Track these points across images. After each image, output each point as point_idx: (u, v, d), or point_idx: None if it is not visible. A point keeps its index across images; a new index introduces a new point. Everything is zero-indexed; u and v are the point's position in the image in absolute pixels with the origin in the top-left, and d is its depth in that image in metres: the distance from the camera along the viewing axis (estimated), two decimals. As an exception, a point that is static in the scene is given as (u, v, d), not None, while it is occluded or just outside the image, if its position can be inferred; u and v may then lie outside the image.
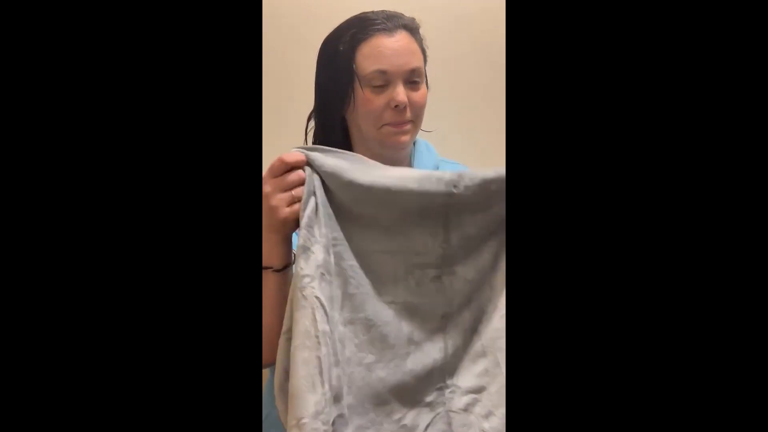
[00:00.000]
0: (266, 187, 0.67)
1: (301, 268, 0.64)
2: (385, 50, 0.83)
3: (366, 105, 0.84)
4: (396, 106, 0.83)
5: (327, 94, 0.88)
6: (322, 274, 0.66)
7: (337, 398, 0.65)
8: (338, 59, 0.85)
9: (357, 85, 0.84)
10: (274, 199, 0.67)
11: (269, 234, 0.69)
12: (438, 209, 0.71)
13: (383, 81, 0.83)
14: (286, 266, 0.71)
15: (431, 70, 1.03)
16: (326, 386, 0.63)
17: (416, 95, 0.85)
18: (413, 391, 0.72)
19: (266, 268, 0.70)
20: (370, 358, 0.70)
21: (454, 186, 0.70)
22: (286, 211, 0.67)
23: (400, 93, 0.83)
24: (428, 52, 0.92)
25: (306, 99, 0.92)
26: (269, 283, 0.71)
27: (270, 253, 0.70)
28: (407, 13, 0.87)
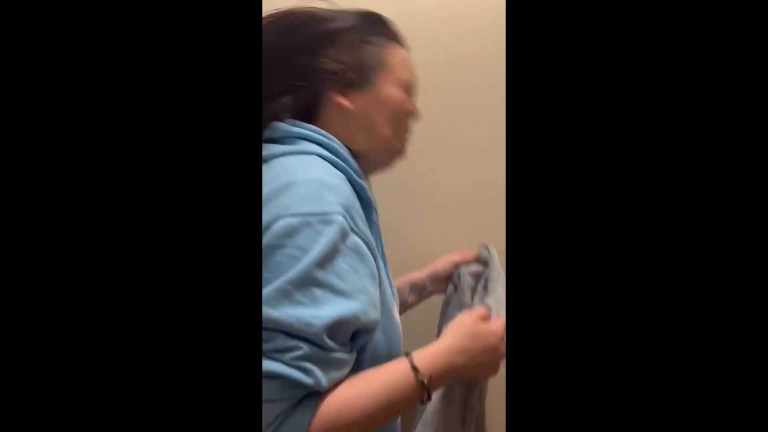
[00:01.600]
0: (500, 342, 0.66)
1: None
2: (409, 63, 0.74)
3: (396, 102, 0.71)
4: (411, 119, 0.75)
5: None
6: None
7: None
8: (355, 38, 0.69)
9: (384, 76, 0.70)
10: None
11: (462, 371, 0.65)
12: None
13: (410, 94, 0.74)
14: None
15: (432, 70, 1.03)
16: None
17: None
18: None
19: (422, 397, 0.61)
20: None
21: None
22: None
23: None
24: (428, 52, 0.90)
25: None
26: (408, 397, 0.61)
27: (440, 381, 0.64)
28: (407, 13, 0.85)
